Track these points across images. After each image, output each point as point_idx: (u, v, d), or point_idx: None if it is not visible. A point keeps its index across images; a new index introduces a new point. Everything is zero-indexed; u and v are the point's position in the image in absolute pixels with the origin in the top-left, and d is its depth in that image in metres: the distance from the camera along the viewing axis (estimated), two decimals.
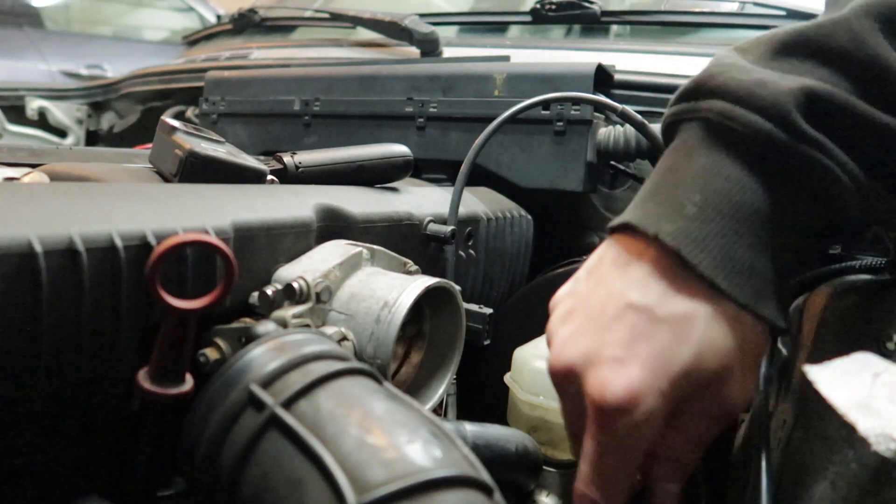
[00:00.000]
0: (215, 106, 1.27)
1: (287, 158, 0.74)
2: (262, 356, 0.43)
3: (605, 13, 1.18)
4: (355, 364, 0.45)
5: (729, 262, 0.40)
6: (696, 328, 0.40)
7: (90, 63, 3.16)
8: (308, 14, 1.59)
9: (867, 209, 0.42)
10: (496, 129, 0.81)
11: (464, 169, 0.79)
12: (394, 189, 0.78)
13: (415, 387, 0.66)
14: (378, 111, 1.06)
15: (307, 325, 0.55)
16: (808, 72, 0.42)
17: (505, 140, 0.94)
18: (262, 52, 1.55)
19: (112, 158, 0.83)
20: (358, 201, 0.68)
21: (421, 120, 1.02)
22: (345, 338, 0.56)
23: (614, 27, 1.20)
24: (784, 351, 0.54)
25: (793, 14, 1.06)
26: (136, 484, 0.48)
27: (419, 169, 1.01)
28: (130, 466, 0.48)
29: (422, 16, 1.27)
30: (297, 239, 0.60)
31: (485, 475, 0.37)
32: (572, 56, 1.13)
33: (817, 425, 0.44)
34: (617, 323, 0.41)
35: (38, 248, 0.41)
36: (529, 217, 0.94)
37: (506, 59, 1.08)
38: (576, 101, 0.88)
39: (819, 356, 0.41)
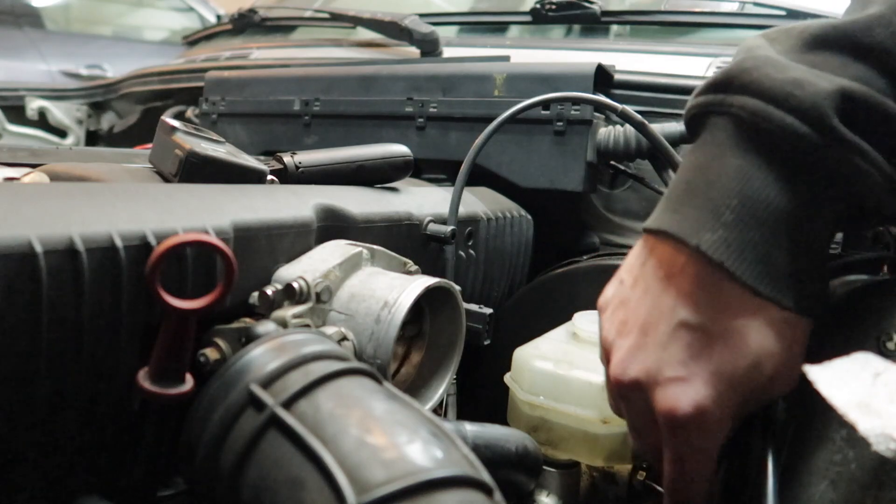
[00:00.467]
0: (215, 106, 1.27)
1: (287, 158, 0.74)
2: (262, 356, 0.43)
3: (605, 13, 1.18)
4: (355, 364, 0.45)
5: (770, 269, 0.41)
6: (750, 340, 0.42)
7: (90, 63, 3.16)
8: (308, 14, 1.59)
9: None
10: (496, 129, 0.81)
11: (464, 169, 0.79)
12: (394, 189, 0.78)
13: (415, 387, 0.66)
14: (378, 111, 1.06)
15: (307, 325, 0.55)
16: (843, 67, 0.41)
17: (505, 140, 0.94)
18: (262, 52, 1.55)
19: (112, 158, 0.83)
20: (358, 201, 0.68)
21: (421, 120, 1.02)
22: (345, 338, 0.56)
23: (614, 27, 1.20)
24: None
25: (793, 14, 1.07)
26: (136, 484, 0.48)
27: (419, 169, 1.01)
28: (130, 466, 0.48)
29: (422, 16, 1.27)
30: (297, 239, 0.60)
31: (485, 475, 0.37)
32: (572, 56, 1.13)
33: (817, 425, 0.44)
34: (673, 342, 0.43)
35: (38, 248, 0.41)
36: (529, 217, 0.94)
37: (506, 59, 1.08)
38: (576, 101, 0.88)
39: (819, 356, 0.41)
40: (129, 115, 1.78)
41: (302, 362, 0.43)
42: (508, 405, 0.71)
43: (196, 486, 0.43)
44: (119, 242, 0.45)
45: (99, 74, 2.98)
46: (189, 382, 0.44)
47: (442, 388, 0.65)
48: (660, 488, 0.67)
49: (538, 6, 1.22)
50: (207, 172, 0.64)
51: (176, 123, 0.67)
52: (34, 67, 3.02)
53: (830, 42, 0.42)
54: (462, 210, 0.79)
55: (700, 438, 0.43)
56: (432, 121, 1.01)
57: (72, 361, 0.44)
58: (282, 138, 1.17)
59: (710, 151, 0.44)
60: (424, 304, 0.65)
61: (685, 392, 0.42)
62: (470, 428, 0.58)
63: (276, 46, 1.57)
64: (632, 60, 1.03)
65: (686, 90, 0.94)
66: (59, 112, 1.87)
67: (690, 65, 1.01)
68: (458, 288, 0.64)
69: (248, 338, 0.49)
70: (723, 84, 0.44)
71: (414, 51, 1.27)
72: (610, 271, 0.84)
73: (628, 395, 0.46)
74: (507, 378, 0.72)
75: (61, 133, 1.90)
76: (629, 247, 0.94)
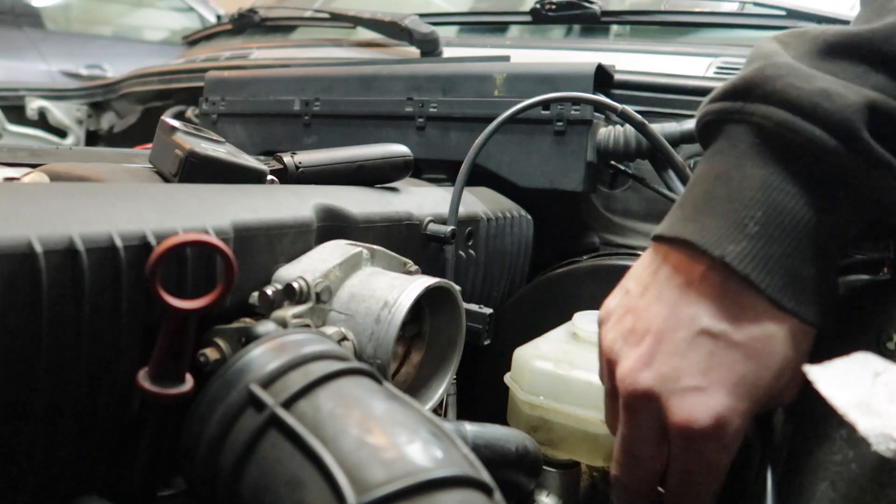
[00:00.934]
0: (215, 106, 1.27)
1: (287, 158, 0.74)
2: (262, 356, 0.43)
3: (605, 13, 1.18)
4: (355, 364, 0.45)
5: (794, 283, 0.40)
6: (774, 351, 0.41)
7: (90, 63, 3.16)
8: (308, 14, 1.59)
9: None
10: (496, 129, 0.81)
11: (464, 169, 0.79)
12: (394, 189, 0.78)
13: (415, 387, 0.66)
14: (378, 111, 1.06)
15: (307, 325, 0.55)
16: (862, 77, 0.40)
17: (505, 140, 0.94)
18: (262, 52, 1.55)
19: (112, 158, 0.83)
20: (358, 201, 0.68)
21: (421, 120, 1.02)
22: (345, 338, 0.56)
23: (614, 27, 1.20)
24: None
25: (793, 14, 1.06)
26: (136, 484, 0.48)
27: (419, 169, 1.01)
28: (130, 466, 0.48)
29: (422, 16, 1.27)
30: (297, 239, 0.60)
31: (485, 475, 0.37)
32: (572, 56, 1.13)
33: (817, 425, 0.44)
34: (692, 349, 0.41)
35: (38, 248, 0.41)
36: (529, 217, 0.94)
37: (506, 59, 1.08)
38: (576, 101, 0.88)
39: (819, 356, 0.41)
40: (129, 115, 1.78)
41: (302, 362, 0.43)
42: (508, 405, 0.71)
43: (196, 486, 0.43)
44: (119, 242, 0.45)
45: (99, 74, 2.98)
46: (189, 382, 0.44)
47: (442, 388, 0.65)
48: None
49: (538, 6, 1.22)
50: (207, 172, 0.64)
51: (176, 123, 0.67)
52: (34, 67, 3.02)
53: (849, 50, 0.41)
54: (462, 210, 0.79)
55: (715, 452, 0.42)
56: (432, 121, 1.01)
57: (72, 361, 0.44)
58: (282, 138, 1.17)
59: (730, 160, 0.43)
60: (424, 304, 0.65)
61: (705, 402, 0.40)
62: (470, 428, 0.58)
63: (276, 46, 1.57)
64: (632, 60, 1.03)
65: (686, 90, 0.94)
66: (59, 112, 1.87)
67: (690, 65, 1.01)
68: (458, 288, 0.64)
69: (248, 338, 0.49)
70: (742, 91, 0.43)
71: (414, 51, 1.27)
72: (610, 271, 0.85)
73: (637, 405, 0.43)
74: (507, 378, 0.72)
75: (61, 133, 1.90)
76: (629, 247, 0.95)
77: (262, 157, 0.76)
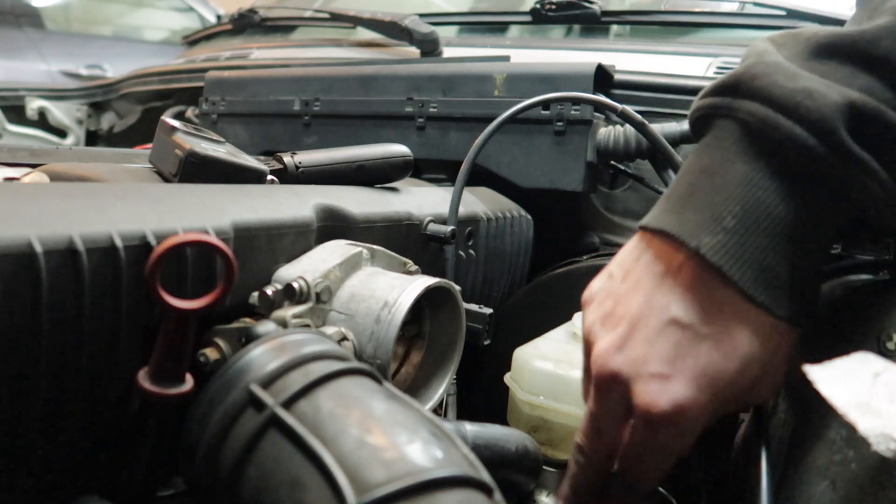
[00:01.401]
0: (215, 106, 1.27)
1: (287, 158, 0.74)
2: (262, 356, 0.43)
3: (605, 13, 1.18)
4: (355, 364, 0.45)
5: (767, 277, 0.41)
6: (739, 344, 0.42)
7: (90, 63, 3.16)
8: (308, 14, 1.59)
9: None
10: (496, 129, 0.81)
11: (464, 169, 0.79)
12: (394, 189, 0.78)
13: (415, 387, 0.66)
14: (378, 111, 1.06)
15: (307, 325, 0.55)
16: (850, 77, 0.41)
17: (505, 140, 0.94)
18: (262, 52, 1.55)
19: (112, 158, 0.83)
20: (358, 201, 0.68)
21: (421, 120, 1.02)
22: (345, 338, 0.56)
23: (614, 27, 1.21)
24: None
25: (793, 14, 1.07)
26: (136, 484, 0.48)
27: (419, 169, 1.01)
28: (130, 466, 0.48)
29: (422, 16, 1.27)
30: (297, 239, 0.60)
31: (485, 475, 0.37)
32: (572, 56, 1.13)
33: (817, 425, 0.44)
34: (661, 338, 0.42)
35: (38, 248, 0.41)
36: (529, 217, 0.94)
37: (506, 59, 1.08)
38: (576, 101, 0.88)
39: (819, 356, 0.41)
40: (129, 115, 1.78)
41: (302, 362, 0.43)
42: (508, 405, 0.71)
43: (196, 486, 0.43)
44: (119, 242, 0.45)
45: (99, 74, 2.98)
46: (189, 382, 0.44)
47: (442, 388, 0.65)
48: (660, 488, 0.67)
49: (538, 6, 1.22)
50: (207, 172, 0.64)
51: (176, 123, 0.67)
52: (34, 67, 3.02)
53: (838, 51, 0.42)
54: (462, 210, 0.79)
55: (671, 437, 0.43)
56: (432, 121, 1.01)
57: (72, 361, 0.44)
58: (282, 138, 1.17)
59: (716, 155, 0.44)
60: (424, 304, 0.65)
61: (666, 389, 0.42)
62: (470, 428, 0.58)
63: (276, 46, 1.57)
64: (632, 60, 1.03)
65: (686, 90, 0.94)
66: (59, 112, 1.87)
67: (690, 65, 1.01)
68: (458, 288, 0.64)
69: (248, 338, 0.49)
70: (731, 87, 0.44)
71: (414, 51, 1.27)
72: None
73: (605, 386, 0.45)
74: (507, 378, 0.72)
75: (61, 133, 1.90)
76: None
77: (262, 157, 0.76)
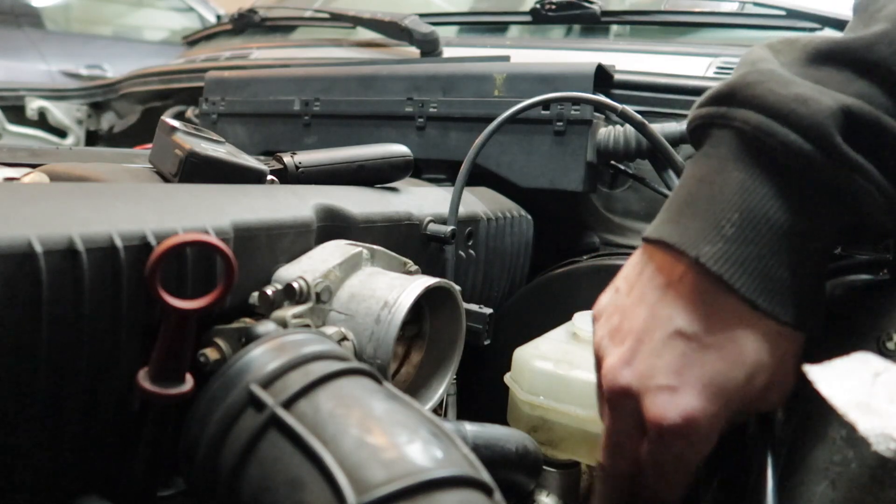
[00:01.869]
0: (215, 106, 1.27)
1: (287, 158, 0.74)
2: (262, 356, 0.43)
3: (605, 13, 1.18)
4: (355, 364, 0.45)
5: (769, 283, 0.41)
6: (745, 352, 0.42)
7: (90, 63, 3.16)
8: (308, 14, 1.59)
9: None
10: (496, 129, 0.81)
11: (464, 169, 0.79)
12: (394, 189, 0.78)
13: (415, 387, 0.66)
14: (378, 111, 1.06)
15: (307, 325, 0.55)
16: (846, 83, 0.41)
17: (505, 140, 0.94)
18: (262, 52, 1.55)
19: (112, 158, 0.83)
20: (358, 201, 0.68)
21: (421, 120, 1.02)
22: (345, 338, 0.56)
23: (614, 27, 1.20)
24: None
25: (793, 14, 1.06)
26: (136, 484, 0.48)
27: (419, 169, 1.01)
28: (130, 466, 0.48)
29: (422, 16, 1.27)
30: (297, 239, 0.60)
31: (485, 475, 0.37)
32: (572, 56, 1.13)
33: (817, 425, 0.44)
34: (666, 349, 0.43)
35: (38, 248, 0.41)
36: (529, 217, 0.94)
37: (506, 59, 1.08)
38: (576, 101, 0.88)
39: (819, 356, 0.41)
40: (129, 115, 1.78)
41: (302, 362, 0.43)
42: (508, 405, 0.71)
43: (196, 486, 0.43)
44: (119, 242, 0.45)
45: (99, 74, 2.98)
46: (189, 382, 0.44)
47: (442, 388, 0.65)
48: None
49: (538, 6, 1.22)
50: (207, 172, 0.64)
51: (176, 123, 0.67)
52: (34, 67, 3.02)
53: (834, 57, 0.42)
54: (462, 210, 0.79)
55: (683, 448, 0.43)
56: (432, 121, 1.01)
57: (72, 361, 0.44)
58: (282, 138, 1.17)
59: (713, 164, 0.44)
60: (424, 304, 0.65)
61: (675, 401, 0.42)
62: (470, 428, 0.58)
63: (276, 46, 1.57)
64: (632, 60, 1.03)
65: (686, 90, 0.94)
66: (59, 112, 1.87)
67: (690, 65, 1.01)
68: (458, 288, 0.64)
69: (248, 338, 0.49)
70: (726, 96, 0.44)
71: (414, 51, 1.27)
72: (610, 271, 0.84)
73: (618, 401, 0.45)
74: (507, 378, 0.72)
75: (61, 133, 1.90)
76: (629, 246, 0.95)
77: (262, 157, 0.76)
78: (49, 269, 0.41)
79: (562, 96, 0.86)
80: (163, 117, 0.69)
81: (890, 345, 0.44)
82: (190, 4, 3.86)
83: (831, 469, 0.41)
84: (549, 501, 0.67)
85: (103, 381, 0.46)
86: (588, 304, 0.78)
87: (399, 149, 0.79)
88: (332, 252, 0.60)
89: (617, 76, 0.98)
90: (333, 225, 0.64)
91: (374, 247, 0.63)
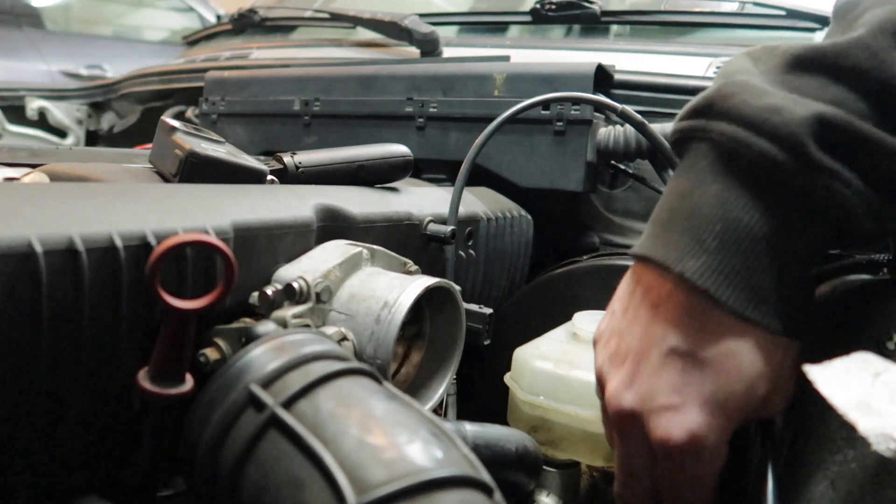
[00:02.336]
0: (215, 106, 1.27)
1: (287, 158, 0.74)
2: (262, 356, 0.43)
3: (605, 13, 1.18)
4: (355, 364, 0.45)
5: (755, 294, 0.41)
6: (742, 364, 0.42)
7: (90, 63, 3.16)
8: (308, 14, 1.59)
9: (880, 227, 0.42)
10: (496, 129, 0.81)
11: (464, 169, 0.79)
12: (394, 189, 0.78)
13: (415, 387, 0.66)
14: (378, 111, 1.06)
15: (307, 325, 0.55)
16: (822, 89, 0.41)
17: (505, 140, 0.94)
18: (262, 52, 1.55)
19: (112, 158, 0.83)
20: (358, 201, 0.68)
21: (421, 120, 1.02)
22: (345, 338, 0.56)
23: (614, 27, 1.20)
24: None
25: (793, 14, 1.06)
26: (136, 484, 0.48)
27: (419, 169, 1.01)
28: (130, 466, 0.48)
29: (422, 16, 1.27)
30: (297, 239, 0.60)
31: (485, 475, 0.37)
32: (572, 56, 1.13)
33: (817, 425, 0.44)
34: (664, 369, 0.43)
35: (38, 248, 0.41)
36: (529, 217, 0.94)
37: (506, 59, 1.08)
38: (576, 101, 0.88)
39: (819, 356, 0.41)
40: (129, 115, 1.78)
41: (302, 362, 0.43)
42: (508, 405, 0.71)
43: (196, 486, 0.43)
44: (119, 242, 0.45)
45: (99, 74, 2.98)
46: (189, 382, 0.44)
47: (442, 388, 0.65)
48: None
49: (538, 6, 1.22)
50: (207, 172, 0.64)
51: (176, 123, 0.67)
52: (34, 67, 3.02)
53: (811, 64, 0.42)
54: (462, 210, 0.79)
55: (694, 466, 0.43)
56: (432, 121, 1.01)
57: (72, 361, 0.44)
58: (282, 138, 1.17)
59: (692, 177, 0.44)
60: (424, 304, 0.65)
61: (678, 420, 0.42)
62: (470, 428, 0.58)
63: (276, 46, 1.57)
64: (632, 60, 1.03)
65: (686, 90, 0.94)
66: (59, 112, 1.87)
67: (690, 65, 1.01)
68: (458, 288, 0.64)
69: (248, 338, 0.49)
70: (703, 109, 0.44)
71: (414, 51, 1.27)
72: (610, 271, 0.84)
73: (624, 426, 0.45)
74: (507, 378, 0.72)
75: (61, 133, 1.90)
76: (629, 247, 0.95)
77: (262, 157, 0.76)
78: (49, 269, 0.41)
79: (562, 96, 0.86)
80: (163, 117, 0.69)
81: (890, 345, 0.44)
82: (190, 4, 3.85)
83: (831, 469, 0.41)
84: (549, 501, 0.67)
85: (103, 380, 0.46)
86: (588, 304, 0.78)
87: (399, 149, 0.79)
88: (332, 252, 0.60)
89: (617, 76, 0.98)
90: (333, 225, 0.64)
91: (374, 247, 0.63)
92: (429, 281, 0.59)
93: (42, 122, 1.89)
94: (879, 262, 0.52)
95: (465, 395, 0.79)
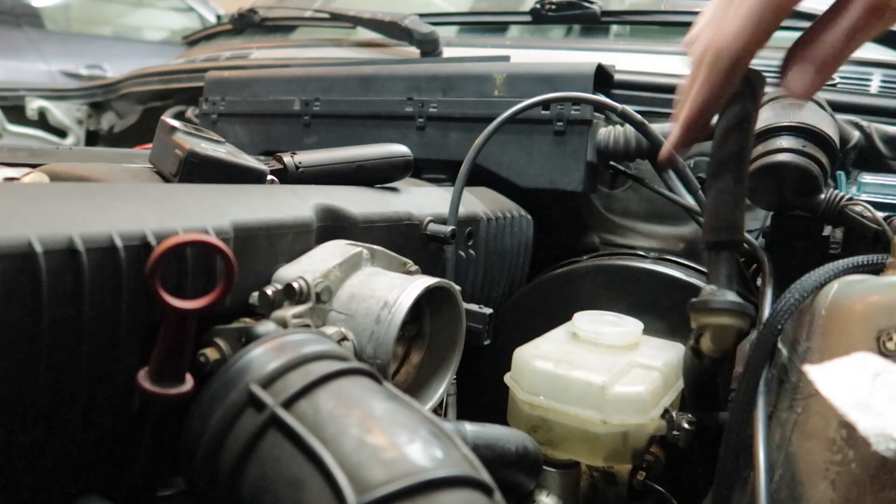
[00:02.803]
0: (215, 106, 1.27)
1: (287, 158, 0.74)
2: (262, 356, 0.43)
3: (605, 13, 1.18)
4: (355, 364, 0.45)
5: None
6: None
7: (90, 63, 3.16)
8: (308, 14, 1.59)
9: None
10: (496, 129, 0.81)
11: (464, 169, 0.79)
12: (394, 189, 0.78)
13: (415, 387, 0.66)
14: (378, 111, 1.06)
15: (307, 325, 0.55)
16: None
17: (505, 140, 0.94)
18: (262, 52, 1.55)
19: (112, 158, 0.83)
20: (358, 201, 0.68)
21: (421, 120, 1.02)
22: (345, 338, 0.56)
23: (614, 27, 1.21)
24: (784, 351, 0.54)
25: (792, 14, 1.06)
26: (136, 484, 0.48)
27: (419, 169, 1.01)
28: (130, 466, 0.48)
29: (422, 16, 1.27)
30: (297, 239, 0.60)
31: (485, 475, 0.37)
32: (572, 56, 1.13)
33: (817, 425, 0.44)
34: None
35: (38, 248, 0.41)
36: (529, 217, 0.94)
37: (506, 59, 1.08)
38: (576, 101, 0.88)
39: (819, 356, 0.41)
40: (129, 115, 1.78)
41: (302, 362, 0.43)
42: (508, 405, 0.71)
43: (196, 486, 0.43)
44: (119, 242, 0.45)
45: (99, 74, 2.98)
46: (189, 382, 0.44)
47: (442, 388, 0.65)
48: (659, 488, 0.67)
49: (538, 6, 1.22)
50: (207, 172, 0.64)
51: (176, 123, 0.67)
52: (34, 67, 3.02)
53: None
54: (462, 210, 0.79)
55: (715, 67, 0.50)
56: (432, 121, 1.01)
57: (72, 361, 0.44)
58: (282, 138, 1.17)
59: None
60: (424, 304, 0.66)
61: (722, 24, 0.49)
62: (470, 428, 0.58)
63: (276, 46, 1.57)
64: (632, 60, 1.03)
65: None
66: (59, 112, 1.87)
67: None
68: (458, 288, 0.64)
69: (248, 338, 0.49)
70: None
71: (414, 51, 1.27)
72: (610, 271, 0.84)
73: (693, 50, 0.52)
74: (507, 378, 0.72)
75: (61, 133, 1.90)
76: (629, 247, 0.95)
77: (262, 157, 0.76)
78: (49, 269, 0.41)
79: (562, 96, 0.86)
80: (163, 117, 0.69)
81: (890, 345, 0.44)
82: (190, 4, 3.85)
83: (831, 469, 0.41)
84: (549, 501, 0.67)
85: (103, 380, 0.46)
86: (588, 305, 0.78)
87: (399, 149, 0.79)
88: (332, 252, 0.60)
89: (617, 76, 0.98)
90: (333, 225, 0.64)
91: (374, 247, 0.63)
92: (429, 281, 0.59)
93: (42, 122, 1.89)
94: (879, 262, 0.52)
95: (465, 395, 0.79)
